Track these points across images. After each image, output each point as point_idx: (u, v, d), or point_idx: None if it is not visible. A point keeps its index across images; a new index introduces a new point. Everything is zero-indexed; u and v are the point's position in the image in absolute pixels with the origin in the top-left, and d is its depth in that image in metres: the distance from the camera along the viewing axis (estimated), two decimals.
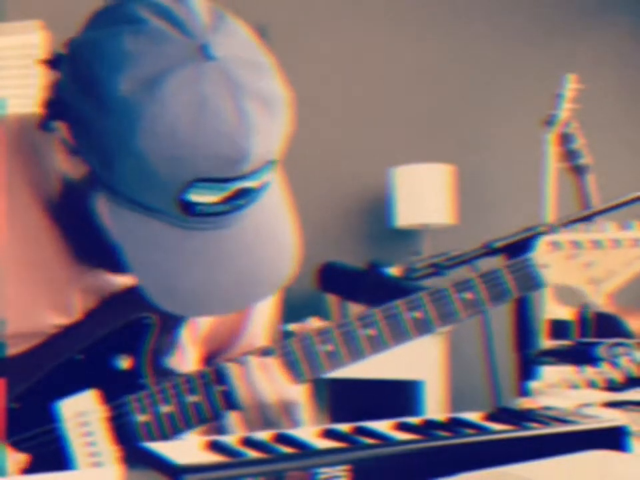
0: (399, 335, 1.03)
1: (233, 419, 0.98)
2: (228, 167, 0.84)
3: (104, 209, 0.91)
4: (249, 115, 0.84)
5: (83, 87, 0.86)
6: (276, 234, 0.95)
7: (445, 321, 1.04)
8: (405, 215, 3.35)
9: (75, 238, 1.00)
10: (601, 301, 1.07)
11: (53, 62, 0.91)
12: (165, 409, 0.98)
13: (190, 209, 0.86)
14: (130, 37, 0.84)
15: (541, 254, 1.07)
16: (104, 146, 0.85)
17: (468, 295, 1.05)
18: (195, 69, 0.82)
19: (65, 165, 0.93)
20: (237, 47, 0.86)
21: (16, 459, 0.93)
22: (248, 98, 0.84)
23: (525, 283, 1.06)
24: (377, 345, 1.03)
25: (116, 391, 0.98)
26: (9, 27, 3.97)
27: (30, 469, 0.93)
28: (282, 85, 0.89)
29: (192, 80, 0.82)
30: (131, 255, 0.90)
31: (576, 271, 1.07)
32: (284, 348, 1.01)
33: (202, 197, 0.85)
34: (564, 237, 1.07)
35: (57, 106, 0.89)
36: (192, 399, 0.98)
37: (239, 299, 0.93)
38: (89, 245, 0.99)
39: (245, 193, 0.87)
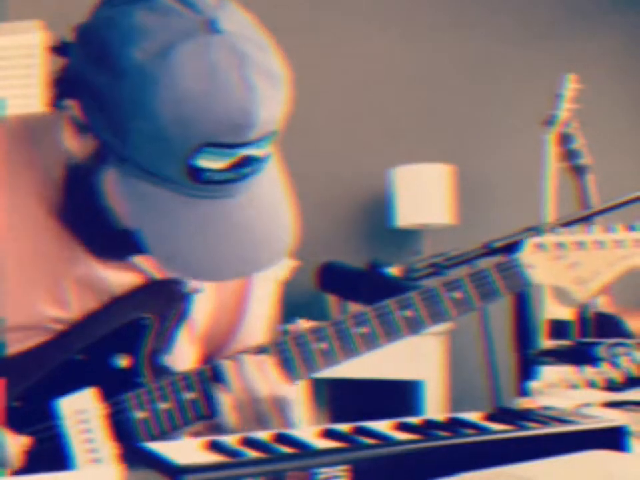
0: (391, 333, 1.05)
1: (228, 416, 0.99)
2: (236, 132, 0.87)
3: (111, 185, 0.94)
4: (255, 85, 0.88)
5: (97, 61, 0.89)
6: (276, 207, 0.99)
7: (435, 319, 1.07)
8: (405, 215, 3.35)
9: (77, 227, 1.02)
10: (587, 300, 1.09)
11: (61, 48, 0.95)
12: (163, 405, 0.99)
13: (198, 175, 0.89)
14: (142, 12, 0.88)
15: (527, 255, 1.10)
16: (117, 113, 0.88)
17: (457, 294, 1.07)
18: (204, 40, 0.87)
19: (72, 145, 0.95)
20: (241, 25, 0.92)
21: (18, 441, 0.94)
22: (253, 69, 0.88)
23: (512, 282, 1.09)
24: (370, 342, 1.05)
25: (115, 389, 0.99)
26: (9, 26, 3.97)
27: (30, 466, 0.94)
28: (280, 61, 0.94)
29: (201, 50, 0.87)
30: (140, 222, 0.93)
31: (561, 272, 1.09)
32: (279, 346, 1.03)
33: (210, 162, 0.88)
34: (549, 238, 1.11)
35: (68, 84, 0.93)
36: (189, 395, 1.00)
37: (241, 267, 0.96)
38: (90, 232, 1.01)
39: (250, 161, 0.91)
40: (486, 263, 1.11)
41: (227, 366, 1.00)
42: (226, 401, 0.99)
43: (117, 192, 0.94)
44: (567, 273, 1.09)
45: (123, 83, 0.87)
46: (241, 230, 0.94)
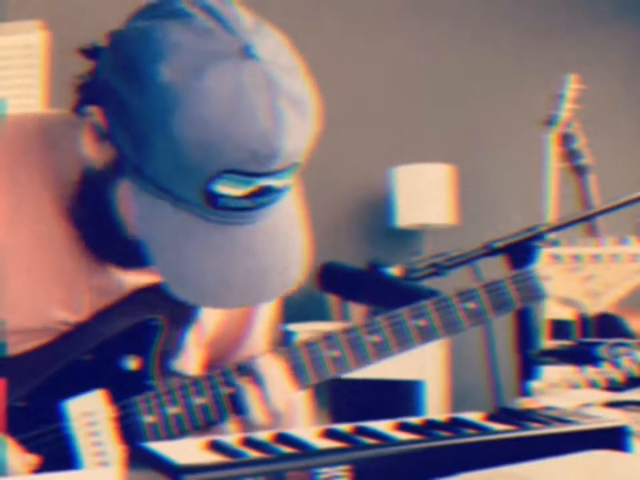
0: (403, 342, 1.05)
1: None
2: (257, 162, 0.85)
3: (125, 197, 0.92)
4: (283, 114, 0.86)
5: (125, 72, 0.88)
6: (290, 238, 0.96)
7: (448, 329, 1.06)
8: (405, 215, 3.35)
9: (89, 233, 1.01)
10: (598, 312, 1.09)
11: (90, 52, 0.93)
12: (172, 410, 0.98)
13: (214, 200, 0.87)
14: (176, 28, 0.87)
15: (543, 266, 1.09)
16: (140, 128, 0.86)
17: (471, 305, 1.07)
18: (236, 65, 0.85)
19: (90, 151, 0.94)
20: (275, 51, 0.90)
21: (26, 460, 0.93)
22: (283, 98, 0.86)
23: (527, 294, 1.09)
24: (382, 351, 1.04)
25: (123, 391, 0.98)
26: (9, 26, 3.97)
27: (38, 468, 0.93)
28: (311, 90, 0.92)
29: (232, 74, 0.85)
30: (150, 240, 0.91)
31: (576, 284, 1.09)
32: (290, 353, 1.02)
33: (228, 188, 0.87)
34: (565, 250, 1.10)
35: (93, 90, 0.92)
36: (199, 400, 0.99)
37: (250, 296, 0.94)
38: (103, 240, 1.00)
39: (268, 191, 0.89)
40: (496, 272, 1.10)
41: (264, 362, 1.00)
42: (256, 397, 0.98)
43: (130, 204, 0.92)
44: (580, 285, 1.09)
45: (148, 98, 0.85)
46: (252, 258, 0.92)
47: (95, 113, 0.91)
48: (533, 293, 1.09)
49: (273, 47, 0.89)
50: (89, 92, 0.92)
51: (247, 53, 0.86)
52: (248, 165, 0.85)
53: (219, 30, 0.87)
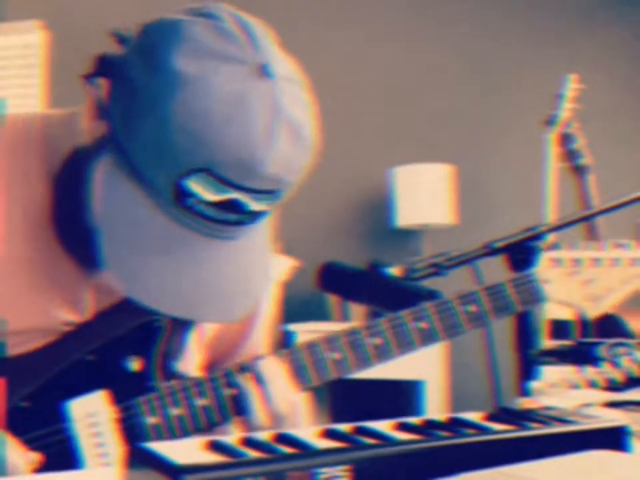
0: (405, 344, 1.05)
1: (259, 412, 0.99)
2: (236, 171, 0.85)
3: (99, 173, 0.91)
4: (278, 138, 0.86)
5: (142, 52, 0.89)
6: (247, 269, 0.95)
7: (449, 332, 1.06)
8: (405, 215, 3.35)
9: (62, 229, 1.00)
10: (597, 316, 1.10)
11: (121, 37, 0.93)
12: (175, 411, 0.98)
13: (182, 198, 0.87)
14: (203, 26, 0.88)
15: (543, 269, 1.10)
16: (136, 104, 0.87)
17: (472, 308, 1.07)
18: (249, 76, 0.86)
19: (84, 127, 0.94)
20: (289, 78, 0.90)
21: (29, 458, 0.93)
22: (283, 124, 0.87)
23: (527, 297, 1.09)
24: (383, 353, 1.05)
25: (126, 392, 0.98)
26: (9, 26, 3.98)
27: (40, 468, 0.93)
28: (316, 126, 0.92)
29: (242, 82, 0.85)
30: (105, 224, 0.90)
31: (576, 288, 1.09)
32: (292, 355, 1.02)
33: (199, 188, 0.86)
34: (565, 254, 1.10)
35: (107, 64, 0.92)
36: (201, 402, 0.99)
37: (188, 308, 0.92)
38: (69, 228, 0.98)
39: (239, 208, 0.88)
40: (498, 275, 1.11)
41: (266, 364, 1.00)
42: (258, 399, 0.98)
43: (101, 184, 0.91)
44: (580, 289, 1.09)
45: (155, 80, 0.85)
46: (201, 271, 0.91)
47: (102, 85, 0.91)
48: (533, 296, 1.09)
49: (288, 74, 0.90)
50: (104, 64, 0.92)
51: (263, 70, 0.86)
52: (226, 171, 0.85)
53: (243, 40, 0.88)
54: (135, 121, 0.87)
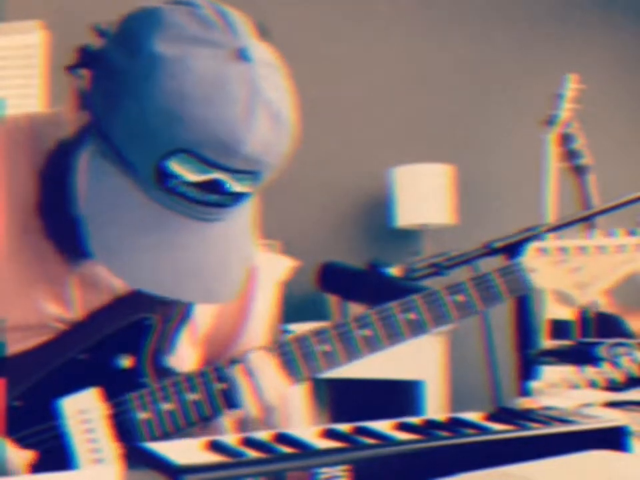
0: (394, 335, 1.06)
1: (251, 407, 0.99)
2: (217, 151, 0.86)
3: (84, 162, 0.92)
4: (256, 118, 0.87)
5: (122, 39, 0.90)
6: (228, 253, 0.95)
7: (437, 322, 1.07)
8: (405, 215, 3.35)
9: (49, 220, 1.00)
10: (587, 303, 1.10)
11: (101, 31, 0.94)
12: (166, 406, 0.99)
13: (164, 179, 0.88)
14: (182, 12, 0.89)
15: (529, 259, 1.10)
16: (117, 88, 0.88)
17: (460, 298, 1.08)
18: (228, 59, 0.87)
19: (68, 118, 0.95)
20: (268, 63, 0.91)
21: (23, 455, 0.94)
22: (261, 106, 0.88)
23: (514, 286, 1.10)
24: (373, 345, 1.05)
25: (117, 389, 0.99)
26: (9, 26, 3.97)
27: (33, 467, 0.94)
28: (294, 114, 0.93)
29: (221, 64, 0.86)
30: (92, 206, 0.90)
31: (563, 276, 1.10)
32: (282, 348, 1.03)
33: (181, 169, 0.87)
34: (551, 243, 1.11)
35: (89, 55, 0.93)
36: (192, 396, 1.00)
37: (175, 289, 0.92)
38: (55, 219, 0.99)
39: (220, 188, 0.89)
40: (489, 266, 1.12)
41: (255, 357, 1.00)
42: (249, 392, 0.99)
43: (84, 169, 0.92)
44: (568, 277, 1.10)
45: (135, 63, 0.87)
46: (181, 253, 0.91)
47: (84, 75, 0.92)
48: (520, 285, 1.10)
49: (267, 59, 0.91)
50: (86, 55, 0.93)
51: (241, 54, 0.88)
52: (207, 151, 0.86)
53: (221, 25, 0.89)
54: (115, 105, 0.88)
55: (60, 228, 0.99)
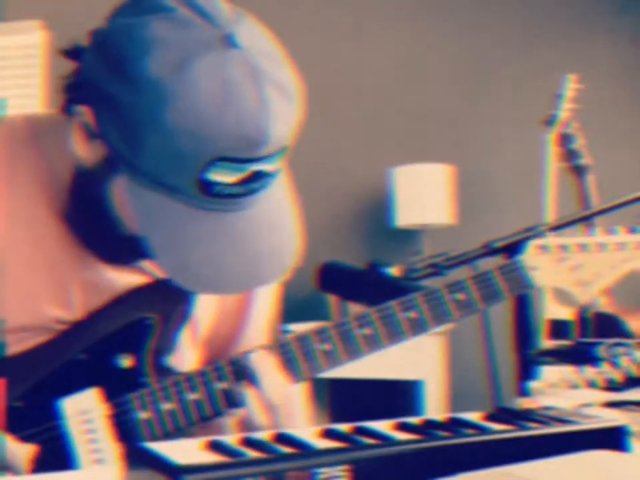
0: (394, 334, 1.06)
1: (255, 410, 0.99)
2: (248, 148, 0.87)
3: (120, 194, 0.93)
4: (270, 100, 0.88)
5: (112, 69, 0.89)
6: (282, 222, 0.98)
7: (438, 321, 1.07)
8: (405, 215, 3.35)
9: (85, 232, 1.02)
10: (588, 301, 1.10)
11: (73, 52, 0.94)
12: (166, 406, 0.99)
13: (208, 189, 0.89)
14: (159, 23, 0.88)
15: (530, 256, 1.10)
16: (131, 124, 0.88)
17: (460, 296, 1.08)
18: (221, 55, 0.87)
19: (81, 151, 0.95)
20: (256, 39, 0.91)
21: (24, 449, 0.94)
22: (268, 85, 0.88)
23: (515, 284, 1.10)
24: (373, 344, 1.05)
25: (118, 389, 0.99)
26: (9, 26, 3.97)
27: (34, 466, 0.94)
28: (294, 76, 0.94)
29: (217, 65, 0.86)
30: (149, 233, 0.92)
31: (564, 273, 1.10)
32: (282, 347, 1.03)
33: (221, 176, 0.88)
34: (552, 240, 1.11)
35: (81, 90, 0.93)
36: (193, 396, 1.00)
37: (247, 281, 0.95)
38: (99, 238, 1.01)
39: (259, 176, 0.91)
40: (489, 265, 1.11)
41: (256, 357, 1.00)
42: (253, 396, 0.99)
43: (126, 201, 0.93)
44: (569, 275, 1.10)
45: (137, 94, 0.86)
46: (247, 244, 0.94)
47: (84, 112, 0.92)
48: (521, 283, 1.10)
49: (254, 35, 0.91)
50: (77, 92, 0.93)
51: (229, 42, 0.88)
52: (239, 152, 0.87)
53: (200, 21, 0.88)
54: (135, 139, 0.88)
55: (101, 242, 1.02)
